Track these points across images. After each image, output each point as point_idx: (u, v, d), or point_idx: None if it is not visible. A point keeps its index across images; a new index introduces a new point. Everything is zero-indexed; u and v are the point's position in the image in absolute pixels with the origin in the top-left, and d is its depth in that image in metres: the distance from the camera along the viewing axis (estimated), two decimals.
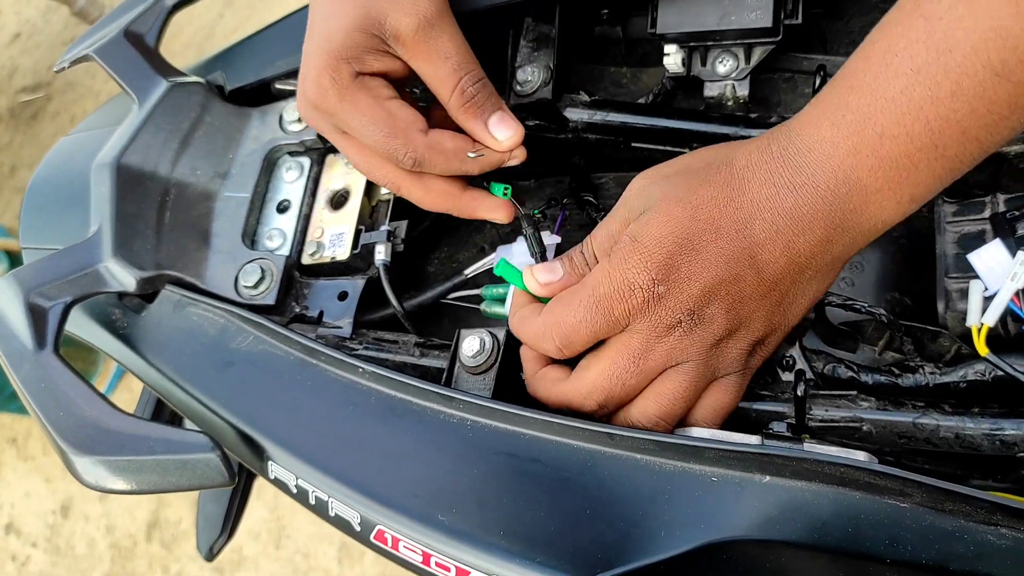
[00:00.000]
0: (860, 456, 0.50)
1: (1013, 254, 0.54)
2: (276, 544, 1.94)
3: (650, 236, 0.49)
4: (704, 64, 0.68)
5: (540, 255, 0.62)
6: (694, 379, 0.52)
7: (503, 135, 0.59)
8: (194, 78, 0.74)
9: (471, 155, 0.58)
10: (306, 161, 0.70)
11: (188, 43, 2.61)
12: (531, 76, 0.66)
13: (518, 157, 0.61)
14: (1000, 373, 0.55)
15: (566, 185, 0.73)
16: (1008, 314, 0.55)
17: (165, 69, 0.73)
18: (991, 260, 0.55)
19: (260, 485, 1.02)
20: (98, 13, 2.63)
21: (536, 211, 0.67)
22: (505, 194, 0.63)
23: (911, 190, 0.46)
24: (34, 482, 2.22)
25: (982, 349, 0.53)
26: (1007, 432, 0.53)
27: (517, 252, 0.67)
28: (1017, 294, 0.53)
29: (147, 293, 0.67)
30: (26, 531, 2.19)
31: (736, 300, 0.50)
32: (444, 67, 0.58)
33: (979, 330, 0.53)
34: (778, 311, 0.52)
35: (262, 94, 0.75)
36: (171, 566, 2.00)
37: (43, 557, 2.14)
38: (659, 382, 0.52)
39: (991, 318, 0.53)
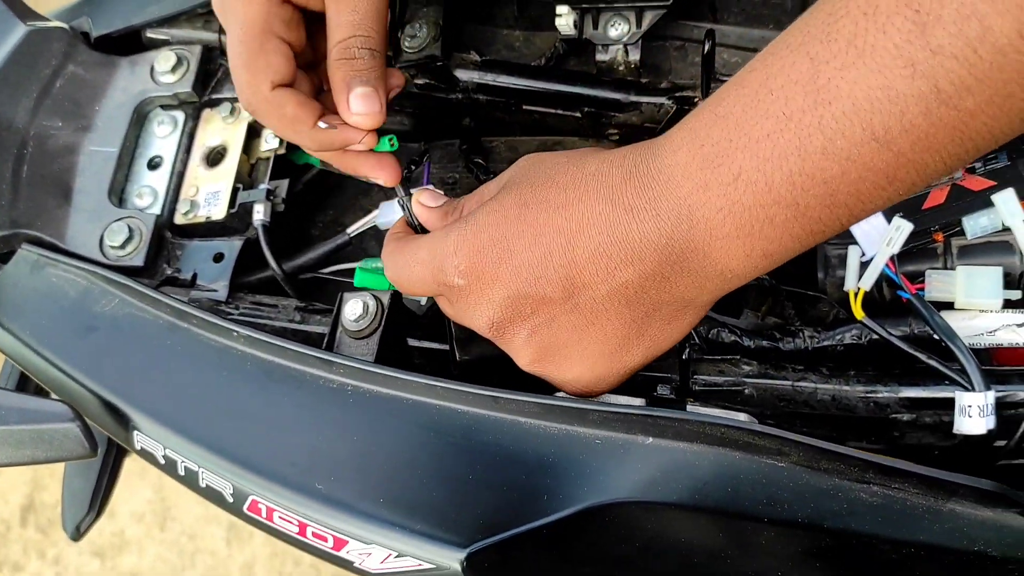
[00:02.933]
0: (741, 417, 0.51)
1: (889, 220, 0.55)
2: (161, 526, 1.87)
3: (477, 223, 0.46)
4: (596, 27, 0.67)
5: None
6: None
7: (360, 109, 0.52)
8: (56, 23, 0.68)
9: (322, 124, 0.53)
10: (180, 115, 0.66)
11: None
12: (419, 32, 0.64)
13: (365, 144, 0.54)
14: (876, 336, 0.57)
15: (456, 148, 0.71)
16: (884, 279, 0.57)
17: (24, 13, 0.68)
18: (868, 226, 0.56)
19: (144, 465, 0.97)
20: None
21: (405, 170, 0.65)
22: (392, 144, 0.60)
23: (764, 245, 0.41)
24: None
25: (858, 313, 0.54)
26: (880, 394, 0.55)
27: (385, 219, 0.64)
28: (892, 259, 0.54)
29: (2, 253, 0.62)
30: None
31: (543, 325, 0.46)
32: (346, 16, 0.52)
33: (855, 294, 0.54)
34: (602, 352, 0.47)
35: (132, 42, 0.70)
36: (48, 551, 1.91)
37: None
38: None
39: (867, 283, 0.55)
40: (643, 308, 0.45)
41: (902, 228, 0.53)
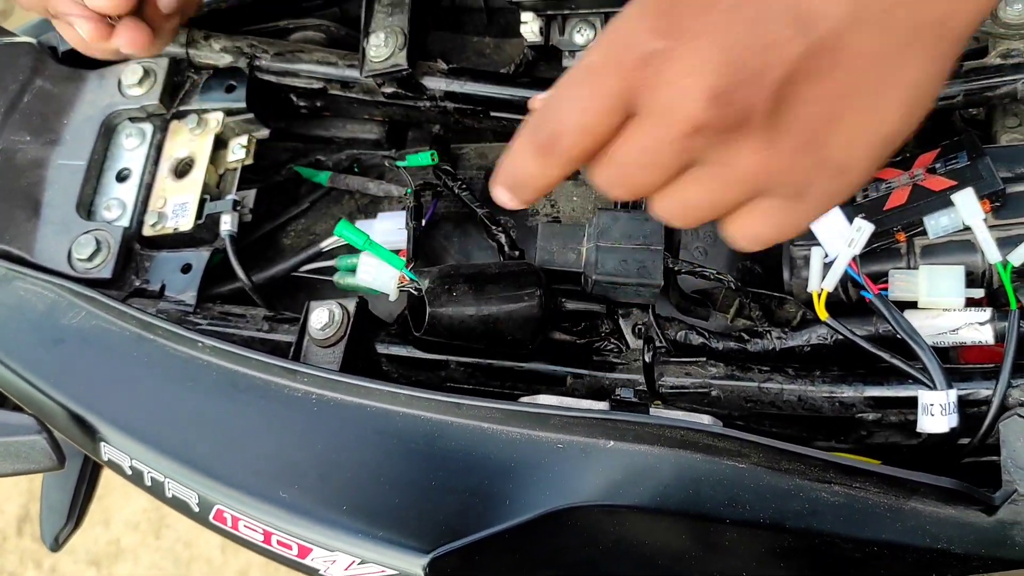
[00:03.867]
0: (704, 419, 0.51)
1: (851, 221, 0.55)
2: (156, 534, 1.87)
3: None
4: (562, 33, 0.67)
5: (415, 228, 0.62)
6: (720, 189, 0.38)
7: None
8: (24, 38, 0.69)
9: None
10: (148, 127, 0.67)
11: None
12: (383, 41, 0.64)
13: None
14: (841, 337, 0.57)
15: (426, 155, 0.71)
16: (847, 280, 0.57)
17: None
18: (831, 227, 0.56)
19: None
20: None
21: (409, 190, 0.65)
22: (433, 160, 0.61)
23: None
24: None
25: (822, 313, 0.55)
26: (845, 394, 0.55)
27: (379, 229, 0.65)
28: (855, 260, 0.55)
29: None
30: None
31: (782, 81, 0.34)
32: None
33: (819, 295, 0.55)
34: (862, 108, 0.36)
35: None
36: (44, 561, 1.91)
37: None
38: (678, 186, 0.38)
39: (830, 283, 0.55)
40: (898, 36, 0.35)
41: (863, 229, 0.53)
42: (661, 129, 0.35)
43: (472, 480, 0.49)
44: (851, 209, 0.57)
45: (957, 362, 0.58)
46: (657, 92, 0.35)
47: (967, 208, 0.53)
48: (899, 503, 0.47)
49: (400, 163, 0.65)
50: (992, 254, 0.51)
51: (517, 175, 0.40)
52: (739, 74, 0.34)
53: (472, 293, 0.55)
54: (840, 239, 0.55)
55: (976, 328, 0.53)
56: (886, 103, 0.36)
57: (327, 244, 0.66)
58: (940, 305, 0.54)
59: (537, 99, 0.40)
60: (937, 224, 0.55)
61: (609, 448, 0.48)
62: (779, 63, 0.34)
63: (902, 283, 0.55)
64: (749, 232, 0.39)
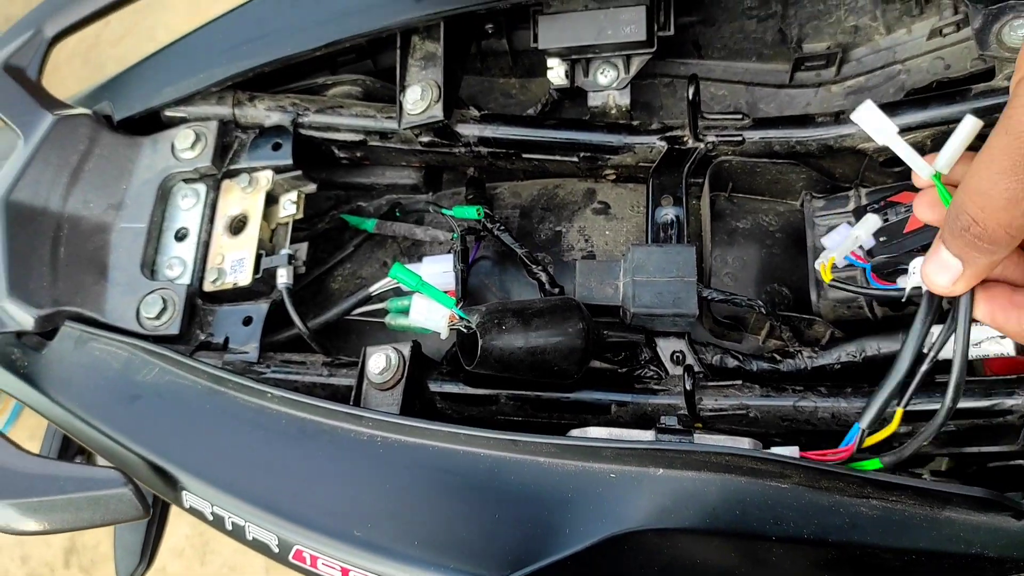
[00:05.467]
0: (744, 444, 0.54)
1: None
2: (201, 560, 1.91)
3: None
4: (587, 75, 0.71)
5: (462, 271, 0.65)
6: None
7: (939, 281, 0.45)
8: (80, 110, 0.73)
9: None
10: (202, 188, 0.71)
11: (73, 53, 2.52)
12: (419, 95, 0.68)
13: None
14: (869, 354, 0.60)
15: (463, 196, 0.75)
16: (873, 300, 0.60)
17: (49, 102, 0.72)
18: (838, 237, 0.59)
19: None
20: None
21: (455, 235, 0.69)
22: (479, 215, 0.65)
23: None
24: None
25: (827, 277, 0.56)
26: None
27: (426, 272, 0.69)
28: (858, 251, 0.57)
29: (46, 331, 0.66)
30: None
31: None
32: None
33: (826, 265, 0.56)
34: None
35: (152, 122, 0.74)
36: None
37: None
38: None
39: (839, 255, 0.56)
40: None
41: (869, 219, 0.56)
42: None
43: (532, 512, 0.52)
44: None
45: (983, 374, 0.61)
46: None
47: (872, 124, 0.48)
48: (934, 513, 0.50)
49: (447, 211, 0.69)
50: (921, 167, 0.48)
51: None
52: None
53: (520, 327, 0.57)
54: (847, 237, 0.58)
55: (997, 341, 0.56)
56: None
57: (376, 288, 0.69)
58: None
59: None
60: None
61: (659, 475, 0.51)
62: None
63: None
64: None
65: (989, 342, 0.56)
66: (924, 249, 0.58)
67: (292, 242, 0.70)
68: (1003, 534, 0.50)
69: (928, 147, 0.64)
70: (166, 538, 2.07)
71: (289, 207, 0.70)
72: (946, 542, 0.50)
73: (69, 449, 0.86)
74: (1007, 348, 0.56)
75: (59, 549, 2.07)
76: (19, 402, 0.67)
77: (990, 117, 0.61)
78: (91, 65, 2.57)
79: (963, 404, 0.56)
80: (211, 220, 0.70)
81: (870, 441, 0.52)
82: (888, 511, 0.51)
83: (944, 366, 0.55)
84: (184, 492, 0.59)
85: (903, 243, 0.58)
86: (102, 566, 1.97)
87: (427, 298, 0.63)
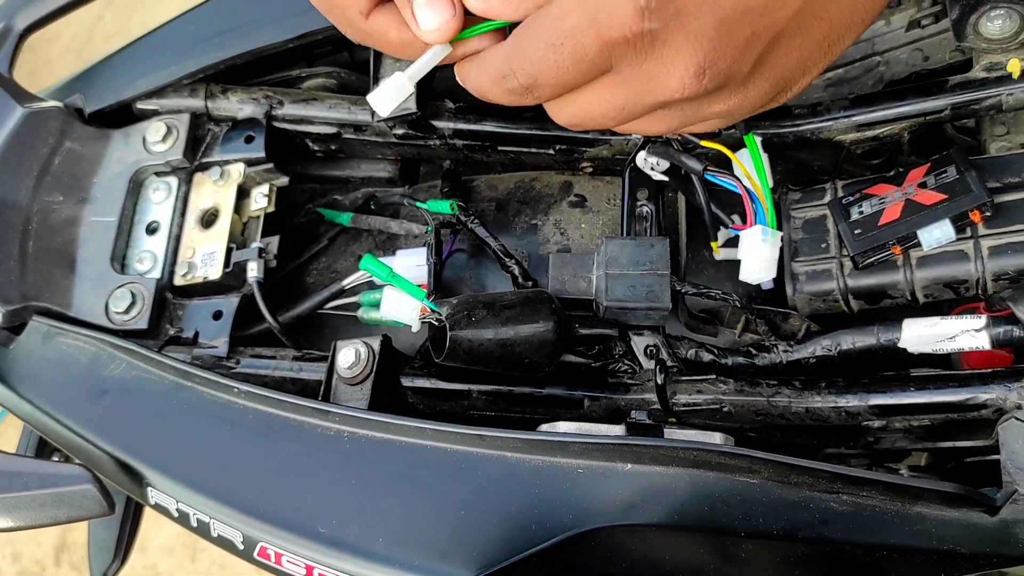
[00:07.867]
0: (716, 438, 0.54)
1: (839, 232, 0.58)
2: (191, 558, 1.91)
3: None
4: None
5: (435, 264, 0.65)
6: (680, 127, 0.42)
7: (429, 24, 0.42)
8: (51, 103, 0.72)
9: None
10: (173, 181, 0.70)
11: (66, 48, 2.51)
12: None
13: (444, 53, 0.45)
14: (844, 348, 0.59)
15: (438, 189, 0.74)
16: (849, 292, 0.60)
17: (20, 95, 0.71)
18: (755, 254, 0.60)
19: None
20: None
21: (429, 228, 0.68)
22: (452, 209, 0.64)
23: None
24: None
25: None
26: (850, 404, 0.57)
27: (399, 265, 0.68)
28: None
29: (14, 325, 0.65)
30: None
31: (763, 46, 0.36)
32: None
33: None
34: (825, 50, 0.39)
35: (124, 115, 0.73)
36: None
37: None
38: (635, 125, 0.42)
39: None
40: None
41: None
42: (638, 95, 0.38)
43: (500, 508, 0.51)
44: (847, 225, 0.59)
45: (960, 367, 0.61)
46: (642, 65, 0.36)
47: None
48: (905, 508, 0.50)
49: (420, 204, 0.68)
50: None
51: (485, 96, 0.43)
52: (727, 49, 0.35)
53: (490, 318, 0.57)
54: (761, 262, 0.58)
55: (972, 335, 0.55)
56: (842, 45, 0.39)
57: (349, 281, 0.68)
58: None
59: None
60: (930, 236, 0.57)
61: (627, 471, 0.51)
62: (770, 27, 0.36)
63: None
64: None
65: (964, 335, 0.56)
66: (901, 241, 0.58)
67: (266, 235, 0.69)
68: (976, 530, 0.49)
69: (905, 139, 0.63)
70: (156, 536, 2.07)
71: (261, 200, 0.69)
72: (918, 538, 0.50)
73: (47, 446, 0.85)
74: (982, 342, 0.55)
75: (50, 547, 2.06)
76: None
77: (969, 109, 0.61)
78: (84, 61, 2.55)
79: (938, 398, 0.55)
80: (183, 214, 0.69)
81: None
82: (859, 506, 0.50)
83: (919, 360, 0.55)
84: (149, 488, 0.58)
85: (879, 235, 0.58)
86: None
87: (399, 291, 0.62)
